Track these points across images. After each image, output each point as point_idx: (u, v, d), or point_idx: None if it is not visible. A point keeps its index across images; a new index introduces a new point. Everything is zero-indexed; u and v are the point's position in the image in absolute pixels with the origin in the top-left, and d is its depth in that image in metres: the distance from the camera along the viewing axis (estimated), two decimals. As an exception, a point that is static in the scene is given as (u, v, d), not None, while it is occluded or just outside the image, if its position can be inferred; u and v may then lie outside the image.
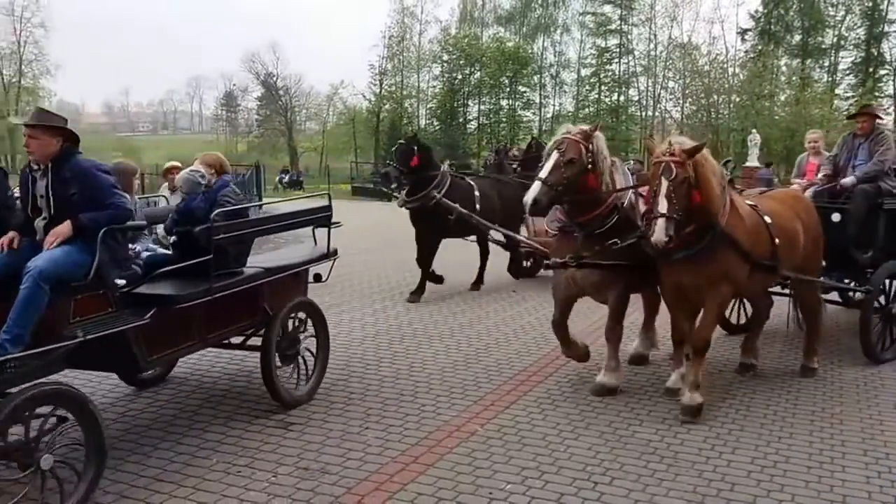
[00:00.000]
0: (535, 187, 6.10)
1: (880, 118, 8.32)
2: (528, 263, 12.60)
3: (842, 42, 50.90)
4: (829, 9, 51.48)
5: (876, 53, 50.01)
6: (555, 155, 6.15)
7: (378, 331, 9.06)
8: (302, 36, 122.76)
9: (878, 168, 7.84)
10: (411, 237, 11.25)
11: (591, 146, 6.18)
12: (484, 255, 11.97)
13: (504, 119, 56.41)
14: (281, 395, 6.21)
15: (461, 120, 58.88)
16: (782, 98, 49.83)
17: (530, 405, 6.41)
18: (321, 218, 7.01)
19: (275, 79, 63.10)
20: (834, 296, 8.94)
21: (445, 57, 57.62)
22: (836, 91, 49.36)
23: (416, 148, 10.69)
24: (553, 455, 5.40)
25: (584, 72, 57.88)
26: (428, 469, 5.17)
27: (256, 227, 6.30)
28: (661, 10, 55.01)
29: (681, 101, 53.28)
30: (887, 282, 7.78)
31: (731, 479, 5.04)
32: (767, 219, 6.46)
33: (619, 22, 56.08)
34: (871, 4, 49.18)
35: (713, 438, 5.73)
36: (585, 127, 6.37)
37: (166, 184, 9.54)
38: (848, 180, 7.92)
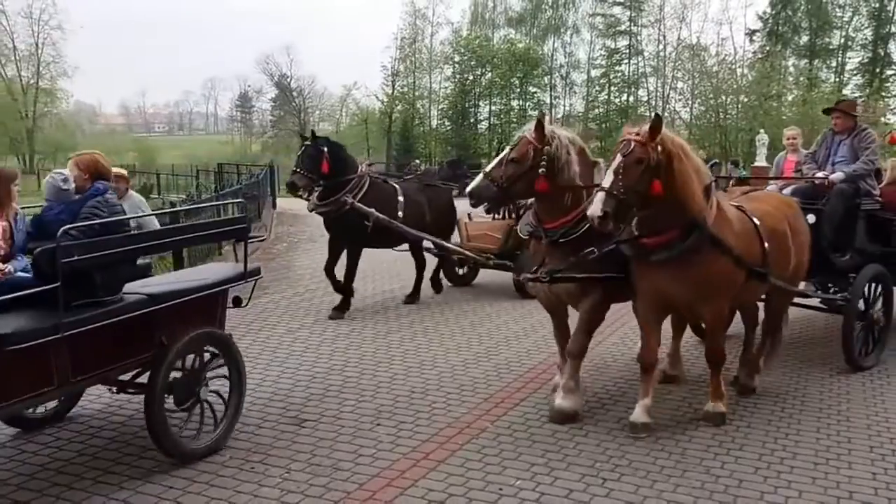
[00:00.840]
0: (477, 178, 5.96)
1: (854, 115, 7.88)
2: (463, 271, 11.99)
3: (849, 43, 51.13)
4: (837, 10, 51.71)
5: (883, 54, 50.16)
6: (505, 151, 5.99)
7: (389, 328, 9.13)
8: (315, 38, 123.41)
9: (867, 169, 7.50)
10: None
11: (546, 148, 5.74)
12: (420, 266, 10.92)
13: (515, 120, 56.34)
14: (165, 447, 5.12)
15: (472, 120, 58.97)
16: (790, 98, 49.81)
17: (540, 402, 6.45)
18: (234, 231, 6.12)
19: (289, 80, 63.64)
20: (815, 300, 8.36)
21: (457, 58, 57.78)
22: (844, 91, 49.18)
23: (325, 150, 9.47)
24: (562, 451, 5.45)
25: (593, 72, 58.02)
26: (438, 465, 5.22)
27: (132, 245, 5.10)
28: (670, 11, 55.17)
29: (690, 102, 53.27)
30: (867, 286, 7.42)
31: (738, 476, 5.08)
32: (756, 220, 6.04)
33: (628, 23, 56.20)
34: (878, 5, 49.29)
35: (721, 435, 5.77)
36: (551, 127, 5.95)
37: None
38: (836, 175, 7.46)
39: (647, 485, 4.94)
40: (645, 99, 56.52)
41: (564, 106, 59.27)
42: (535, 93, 58.06)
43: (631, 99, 56.41)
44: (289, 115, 64.33)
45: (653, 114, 53.26)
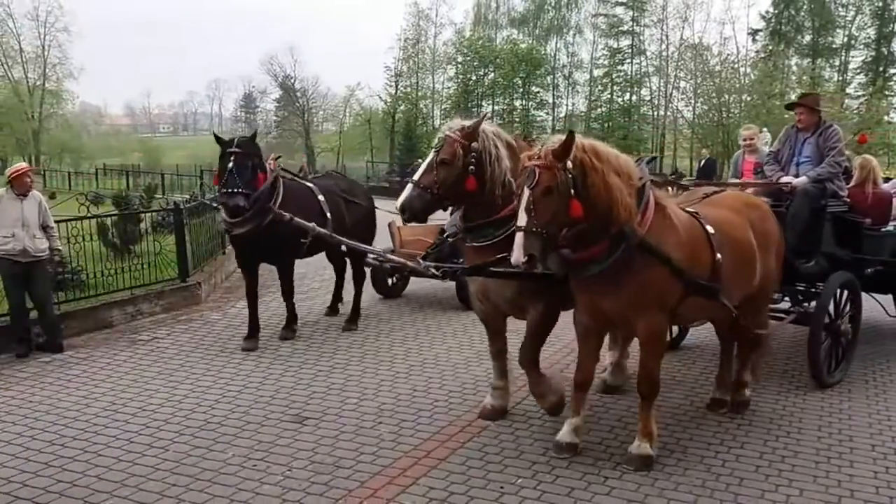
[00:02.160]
0: (406, 190, 5.50)
1: (819, 110, 7.29)
2: (393, 281, 11.09)
3: (852, 42, 51.13)
4: (840, 9, 51.64)
5: (886, 52, 50.10)
6: (431, 155, 5.54)
7: (392, 327, 9.16)
8: (319, 39, 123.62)
9: (833, 172, 6.94)
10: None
11: (474, 145, 5.39)
12: (359, 280, 9.56)
13: (518, 119, 56.34)
14: None
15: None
16: (793, 97, 49.65)
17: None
18: None
19: (293, 81, 63.65)
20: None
21: (460, 58, 57.83)
22: (847, 90, 49.32)
23: (253, 157, 7.84)
24: (554, 455, 5.39)
25: (596, 72, 57.92)
26: (440, 463, 5.23)
27: None
28: (673, 11, 55.06)
29: (692, 101, 53.14)
30: (836, 295, 6.92)
31: (739, 474, 5.09)
32: (710, 229, 5.34)
33: (630, 23, 56.13)
34: (881, 4, 49.31)
35: (722, 433, 5.78)
36: (469, 123, 5.54)
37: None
38: (801, 180, 6.91)
39: (648, 483, 4.94)
40: (647, 98, 56.51)
41: (567, 105, 59.32)
42: (538, 93, 58.05)
43: (633, 98, 56.39)
44: (293, 115, 64.46)
45: (662, 113, 53.09)
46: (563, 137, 4.67)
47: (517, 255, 4.55)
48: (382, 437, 5.68)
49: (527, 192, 4.60)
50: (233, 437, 5.67)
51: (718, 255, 5.27)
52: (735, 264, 5.44)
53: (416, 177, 5.50)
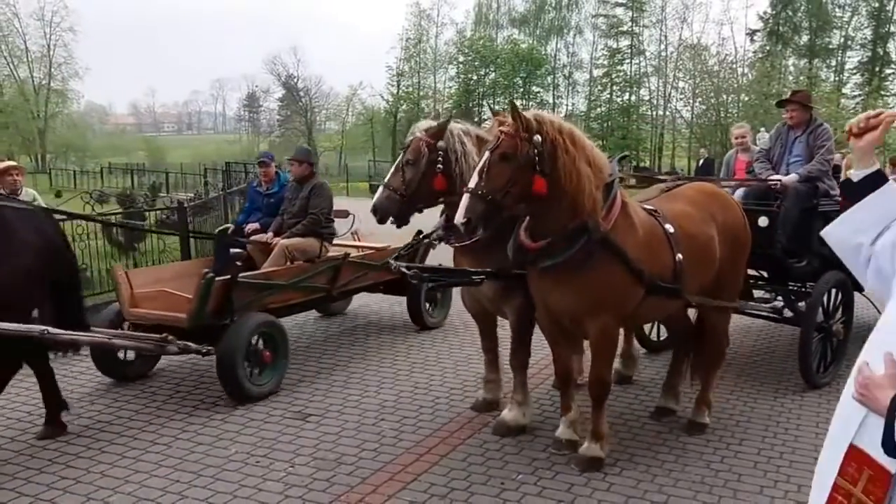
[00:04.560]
0: (378, 192, 5.55)
1: (811, 107, 7.23)
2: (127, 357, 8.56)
3: (849, 42, 51.52)
4: (837, 10, 51.93)
5: (882, 53, 50.43)
6: (399, 156, 5.59)
7: (395, 324, 9.19)
8: (322, 38, 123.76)
9: (822, 169, 6.86)
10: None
11: (440, 144, 5.37)
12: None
13: (488, 122, 56.53)
14: None
15: (476, 120, 58.86)
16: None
17: (542, 397, 6.50)
18: None
19: (296, 80, 63.98)
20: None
21: (461, 58, 58.06)
22: (843, 90, 49.56)
23: None
24: (553, 454, 5.40)
25: (596, 72, 58.14)
26: (441, 460, 5.27)
27: None
28: (672, 11, 55.40)
29: (691, 101, 53.34)
30: (827, 295, 6.80)
31: (738, 470, 5.12)
32: (670, 227, 5.14)
33: (630, 24, 56.31)
34: (877, 5, 49.56)
35: (721, 430, 5.81)
36: (434, 123, 5.63)
37: None
38: (790, 178, 6.83)
39: (647, 479, 4.98)
40: (647, 98, 56.65)
41: (567, 105, 59.41)
42: (539, 92, 58.20)
43: (633, 98, 56.49)
44: (296, 114, 64.72)
45: (661, 112, 53.05)
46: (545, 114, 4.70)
47: (457, 216, 4.46)
48: (384, 434, 5.72)
49: (486, 154, 4.56)
50: (236, 434, 5.71)
51: (679, 256, 5.09)
52: (695, 262, 5.23)
53: (386, 178, 5.55)
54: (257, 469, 5.12)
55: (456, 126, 5.55)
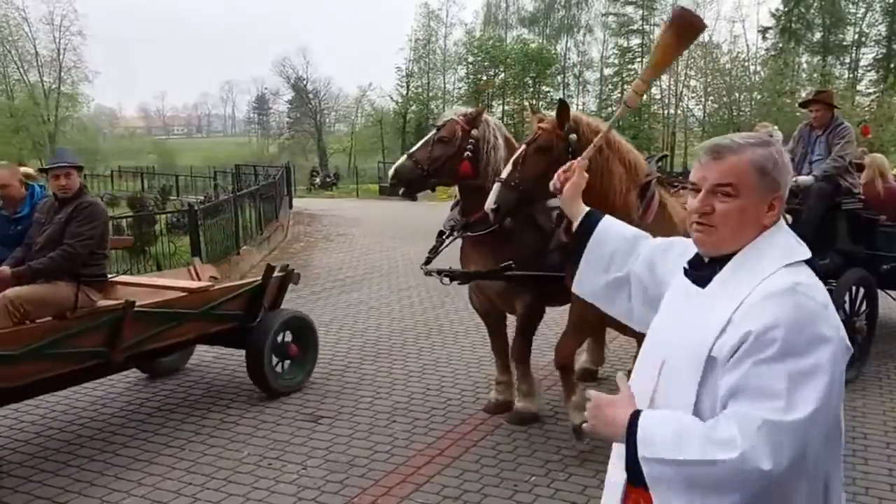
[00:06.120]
0: (402, 158, 5.63)
1: (836, 107, 7.30)
2: None
3: (863, 39, 50.91)
4: (850, 6, 51.44)
5: (897, 49, 49.86)
6: (431, 132, 5.67)
7: (405, 326, 9.19)
8: (331, 41, 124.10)
9: (837, 165, 6.89)
10: (433, 232, 10.67)
11: (474, 132, 5.52)
12: None
13: (528, 119, 56.52)
14: None
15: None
16: (803, 95, 49.58)
17: (554, 399, 6.45)
18: None
19: (305, 82, 64.17)
20: None
21: (470, 59, 57.89)
22: (858, 87, 49.20)
23: None
24: (577, 447, 5.44)
25: (606, 71, 57.98)
26: (453, 462, 5.26)
27: None
28: (683, 10, 55.09)
29: (703, 100, 53.19)
30: (850, 292, 6.84)
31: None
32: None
33: (640, 22, 56.12)
34: (892, 1, 49.00)
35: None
36: (471, 110, 5.78)
37: None
38: (805, 179, 6.85)
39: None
40: (658, 97, 56.46)
41: (578, 104, 59.23)
42: (549, 92, 58.03)
43: (644, 97, 56.26)
44: (305, 116, 64.93)
45: (673, 111, 52.96)
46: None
47: (488, 203, 4.64)
48: (396, 436, 5.71)
49: (523, 146, 4.76)
50: (248, 436, 5.72)
51: None
52: None
53: (412, 150, 5.65)
54: (270, 471, 5.12)
55: (492, 118, 5.73)
